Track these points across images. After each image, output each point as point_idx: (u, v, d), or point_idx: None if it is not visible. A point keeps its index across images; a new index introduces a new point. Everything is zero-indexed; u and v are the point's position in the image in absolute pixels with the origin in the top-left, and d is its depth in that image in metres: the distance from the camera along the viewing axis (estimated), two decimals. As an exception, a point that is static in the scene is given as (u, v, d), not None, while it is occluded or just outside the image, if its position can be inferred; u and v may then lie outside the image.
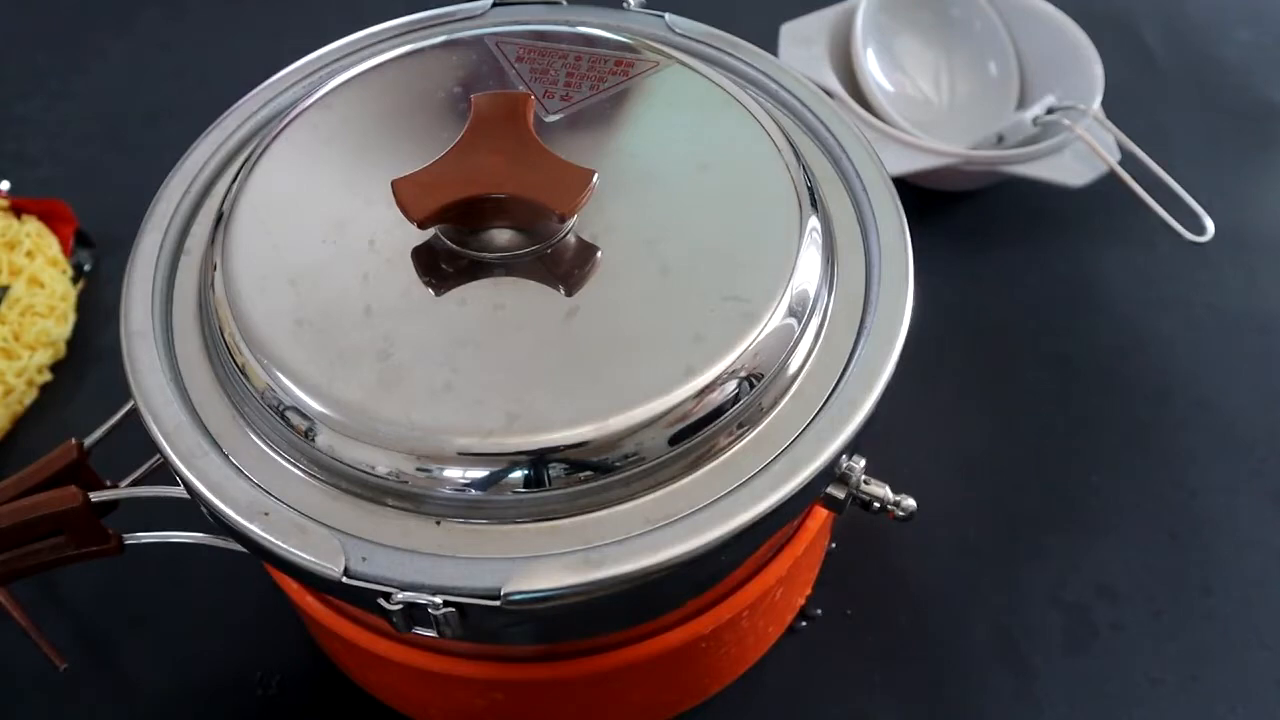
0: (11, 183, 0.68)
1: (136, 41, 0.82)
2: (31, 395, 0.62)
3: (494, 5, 0.49)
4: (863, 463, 0.38)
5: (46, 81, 0.79)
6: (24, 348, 0.61)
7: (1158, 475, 0.59)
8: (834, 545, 0.55)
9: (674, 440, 0.35)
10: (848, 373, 0.37)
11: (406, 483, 0.35)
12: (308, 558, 0.34)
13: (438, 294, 0.37)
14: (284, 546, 0.34)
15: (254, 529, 0.34)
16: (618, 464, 0.35)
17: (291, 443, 0.36)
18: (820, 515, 0.46)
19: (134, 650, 0.53)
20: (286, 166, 0.41)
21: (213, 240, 0.40)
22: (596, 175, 0.38)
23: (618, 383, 0.35)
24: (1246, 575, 0.55)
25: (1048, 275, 0.67)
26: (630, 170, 0.41)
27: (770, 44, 0.69)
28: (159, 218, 0.42)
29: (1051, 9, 0.71)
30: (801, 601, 0.53)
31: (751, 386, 0.36)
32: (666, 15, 0.48)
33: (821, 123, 0.45)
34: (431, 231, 0.38)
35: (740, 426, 0.36)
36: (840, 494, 0.38)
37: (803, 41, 0.70)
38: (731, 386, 0.35)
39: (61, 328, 0.64)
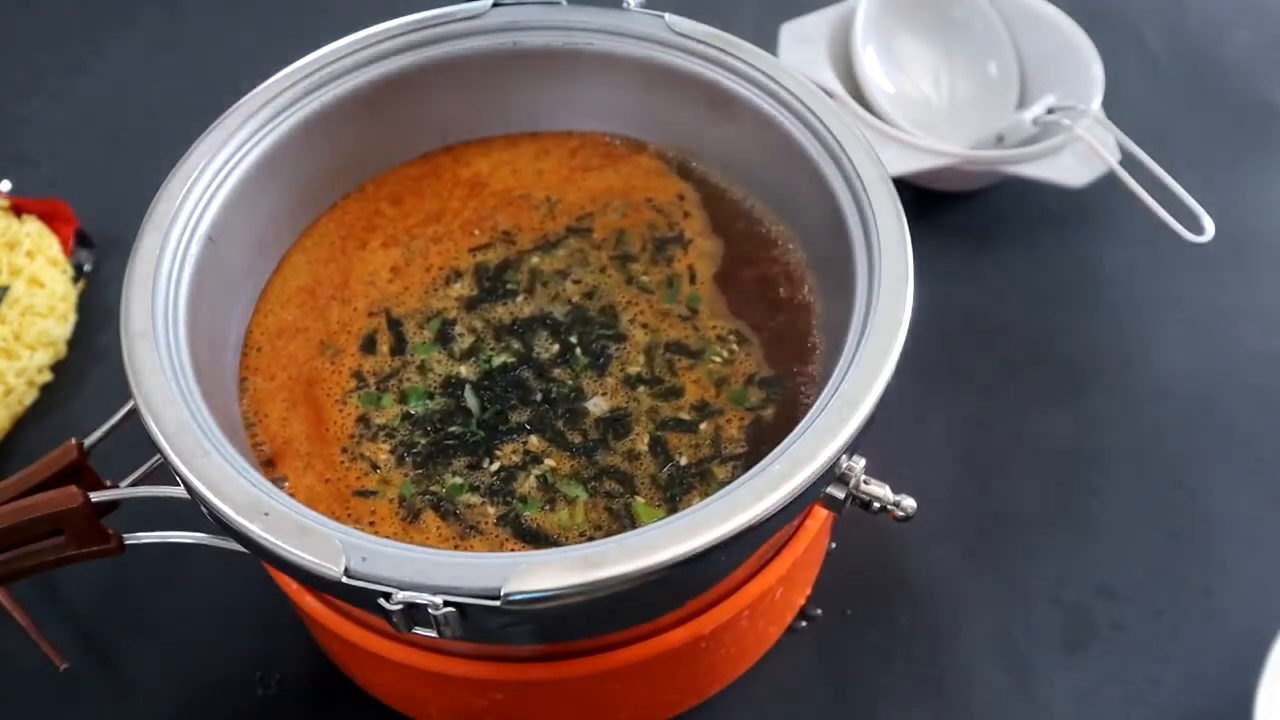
0: (11, 183, 0.68)
1: (136, 41, 0.82)
2: (31, 395, 0.62)
3: (494, 5, 0.49)
4: (863, 463, 0.38)
5: (46, 81, 0.79)
6: (24, 348, 0.61)
7: (1158, 475, 0.59)
8: (834, 545, 0.55)
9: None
10: (848, 373, 0.37)
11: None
12: (308, 558, 0.34)
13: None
14: (284, 546, 0.34)
15: (254, 529, 0.34)
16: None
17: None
18: (820, 515, 0.46)
19: (134, 650, 0.53)
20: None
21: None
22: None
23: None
24: (1246, 575, 0.55)
25: (1048, 275, 0.67)
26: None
27: (770, 44, 0.69)
28: (159, 218, 0.42)
29: (1051, 9, 0.71)
30: (801, 601, 0.53)
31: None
32: (666, 15, 0.48)
33: (821, 123, 0.45)
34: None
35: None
36: (840, 494, 0.38)
37: (803, 41, 0.70)
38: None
39: (61, 328, 0.63)
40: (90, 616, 0.54)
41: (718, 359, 0.45)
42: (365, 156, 0.51)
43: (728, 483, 0.36)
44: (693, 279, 0.47)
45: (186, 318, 0.41)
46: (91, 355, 0.64)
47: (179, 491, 0.38)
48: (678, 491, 0.41)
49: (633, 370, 0.44)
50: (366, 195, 0.51)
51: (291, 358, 0.46)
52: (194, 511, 0.38)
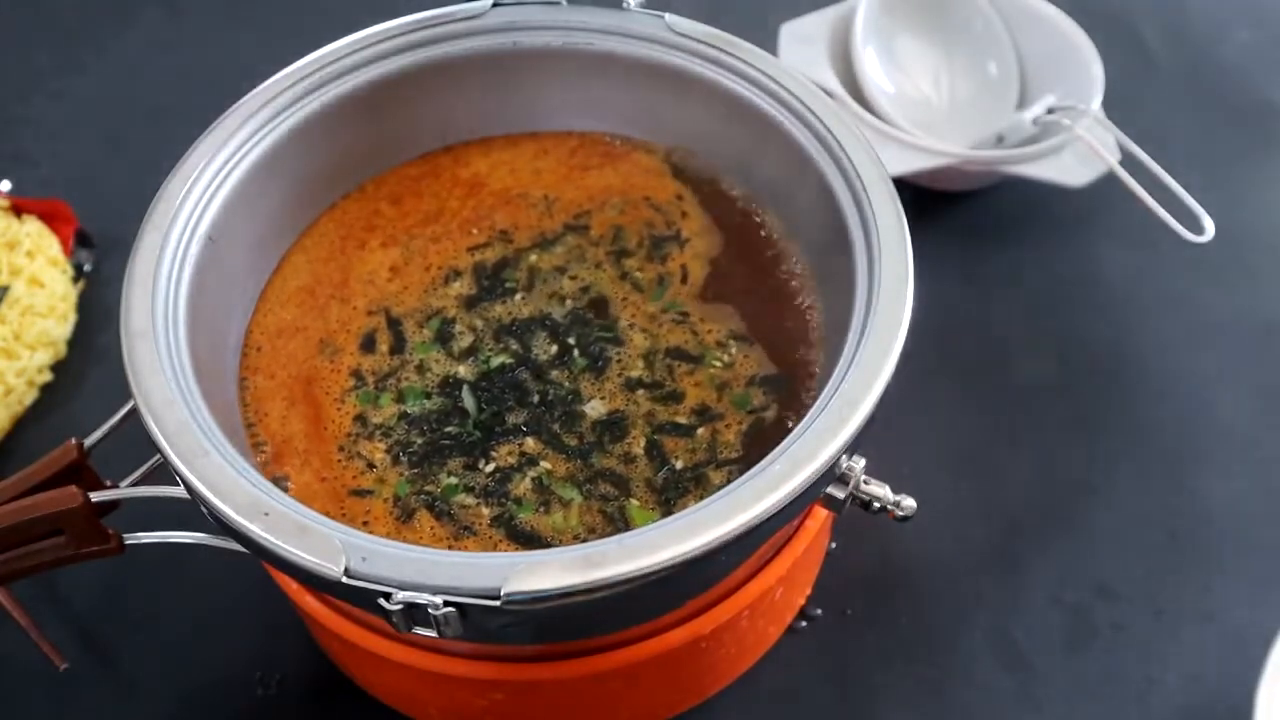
0: (11, 183, 0.68)
1: (136, 41, 0.82)
2: (31, 395, 0.62)
3: (494, 5, 0.49)
4: (863, 463, 0.38)
5: (46, 81, 0.79)
6: (24, 348, 0.61)
7: (1158, 475, 0.59)
8: (834, 545, 0.55)
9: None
10: (848, 373, 0.37)
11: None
12: (308, 558, 0.34)
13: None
14: (284, 546, 0.34)
15: (254, 529, 0.34)
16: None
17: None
18: (820, 515, 0.46)
19: (134, 650, 0.53)
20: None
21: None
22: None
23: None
24: (1246, 575, 0.55)
25: (1048, 275, 0.67)
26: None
27: (770, 44, 0.69)
28: (159, 218, 0.42)
29: (1051, 9, 0.71)
30: (801, 601, 0.53)
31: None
32: (666, 15, 0.48)
33: (821, 123, 0.45)
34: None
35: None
36: (840, 494, 0.38)
37: (803, 41, 0.70)
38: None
39: (61, 328, 0.63)
40: (90, 616, 0.54)
41: (718, 363, 0.45)
42: (365, 156, 0.51)
43: (723, 487, 0.36)
44: (684, 278, 0.47)
45: (186, 318, 0.41)
46: (91, 355, 0.64)
47: (179, 491, 0.38)
48: (672, 495, 0.41)
49: (632, 374, 0.44)
50: (366, 195, 0.51)
51: (291, 357, 0.46)
52: (194, 511, 0.38)
